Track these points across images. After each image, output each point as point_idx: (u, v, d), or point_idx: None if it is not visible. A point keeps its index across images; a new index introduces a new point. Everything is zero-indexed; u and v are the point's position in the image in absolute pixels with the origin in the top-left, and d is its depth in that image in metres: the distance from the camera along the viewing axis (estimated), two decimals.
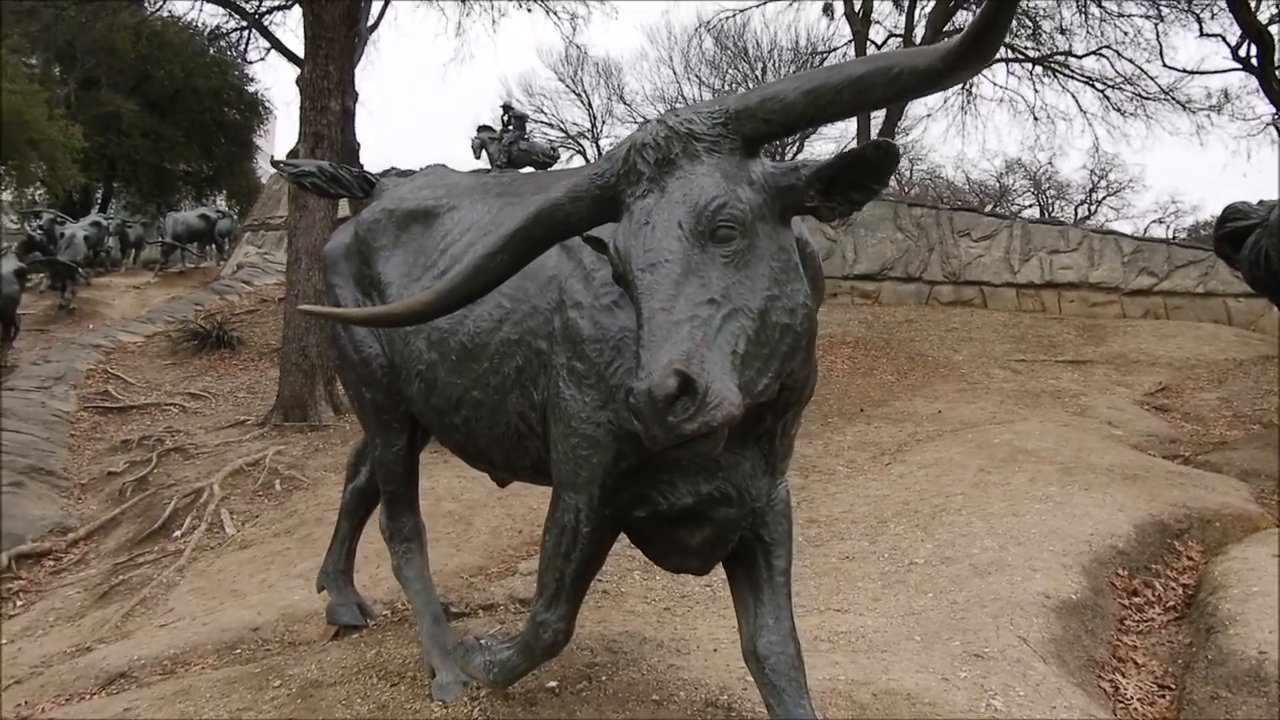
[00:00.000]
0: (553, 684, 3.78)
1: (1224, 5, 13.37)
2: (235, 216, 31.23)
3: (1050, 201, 38.14)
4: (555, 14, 14.18)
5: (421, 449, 4.38)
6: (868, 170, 2.32)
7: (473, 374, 3.43)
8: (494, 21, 18.84)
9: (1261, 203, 8.07)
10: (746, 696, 3.68)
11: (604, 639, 4.27)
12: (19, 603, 6.40)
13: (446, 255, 3.69)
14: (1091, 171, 34.77)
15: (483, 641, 3.62)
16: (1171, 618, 5.10)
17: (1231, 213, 8.12)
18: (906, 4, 19.88)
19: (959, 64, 2.04)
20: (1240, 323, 14.14)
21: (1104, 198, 37.58)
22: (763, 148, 2.47)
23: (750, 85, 29.59)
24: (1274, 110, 14.52)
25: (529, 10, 13.98)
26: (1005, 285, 15.95)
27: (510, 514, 6.63)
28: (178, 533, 7.05)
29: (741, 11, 23.93)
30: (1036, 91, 21.21)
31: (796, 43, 28.60)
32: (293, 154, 9.78)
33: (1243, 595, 4.73)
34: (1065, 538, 5.59)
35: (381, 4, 14.12)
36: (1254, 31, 11.91)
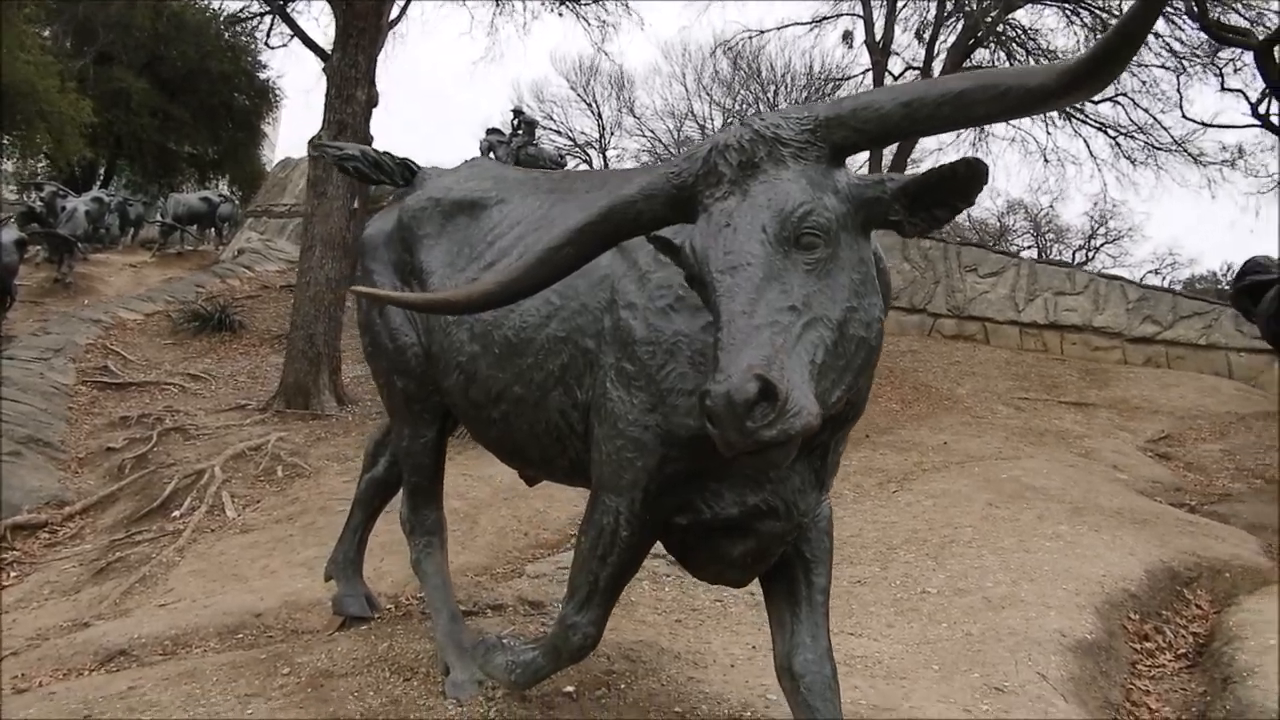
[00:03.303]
0: (570, 689, 3.72)
1: (1247, 61, 13.50)
2: (237, 202, 31.05)
3: (1049, 244, 38.22)
4: (586, 20, 14.04)
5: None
6: (955, 187, 2.28)
7: (515, 369, 3.37)
8: (524, 24, 18.77)
9: None
10: (769, 714, 3.63)
11: (620, 647, 4.21)
12: (13, 574, 6.29)
13: (494, 248, 3.65)
14: (1092, 218, 34.89)
15: (505, 641, 3.55)
16: (1183, 665, 5.06)
17: (1252, 266, 8.15)
18: (928, 36, 19.96)
19: (1076, 84, 1.99)
20: (1241, 377, 14.17)
21: (1102, 244, 37.71)
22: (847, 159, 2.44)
23: (761, 106, 29.65)
24: None
25: (560, 14, 13.90)
26: (1009, 323, 15.96)
27: (517, 515, 6.55)
28: (177, 513, 6.95)
29: (761, 33, 23.92)
30: (1049, 134, 21.18)
31: (810, 68, 28.58)
32: (316, 138, 9.70)
33: (1260, 647, 4.69)
34: (1077, 577, 5.56)
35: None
36: (1278, 88, 12.00)
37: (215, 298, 15.30)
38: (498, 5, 13.73)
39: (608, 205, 2.56)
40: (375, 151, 4.38)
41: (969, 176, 2.26)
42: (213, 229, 29.04)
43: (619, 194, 2.57)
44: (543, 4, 14.07)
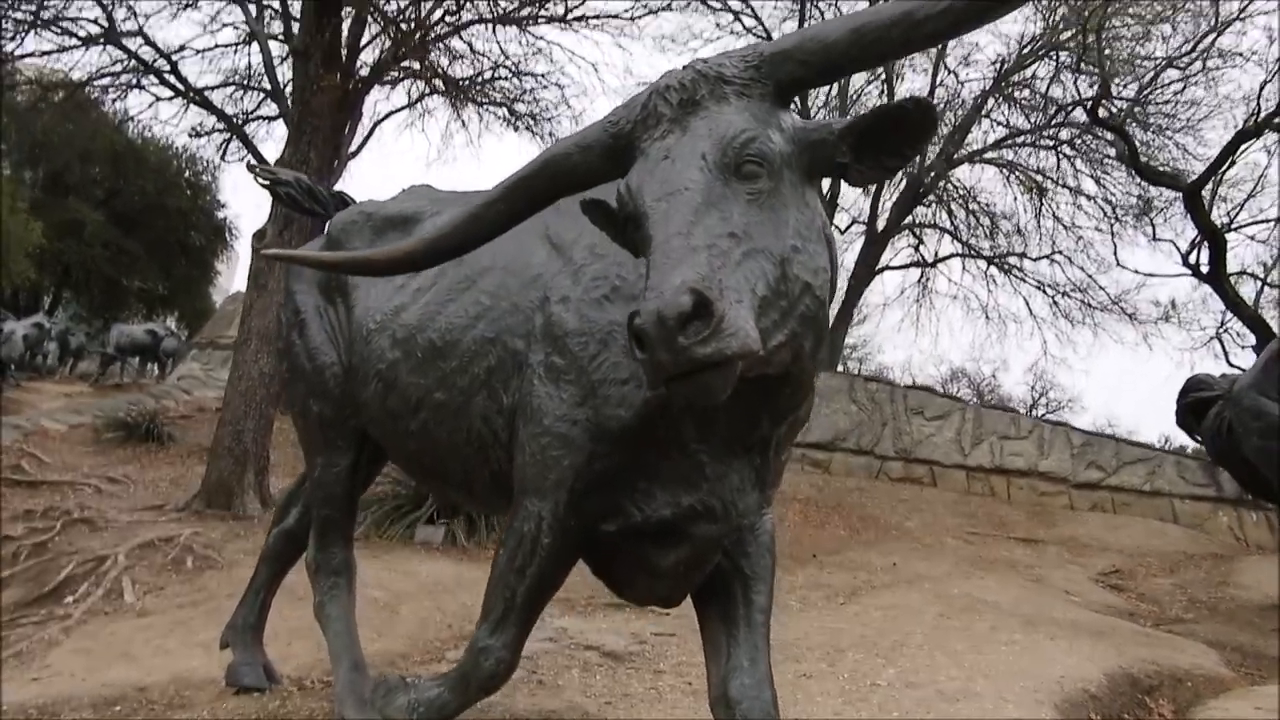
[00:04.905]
0: None
1: (1177, 210, 14.09)
2: (183, 338, 30.57)
3: None
4: (540, 137, 14.35)
5: (368, 484, 4.04)
6: (904, 131, 2.17)
7: (438, 373, 3.15)
8: (478, 135, 19.11)
9: (1224, 375, 8.15)
10: None
11: (540, 710, 3.80)
12: None
13: None
14: (1032, 388, 35.59)
15: (408, 679, 3.16)
16: None
17: (1195, 384, 8.18)
18: (873, 191, 20.66)
19: None
20: (1186, 523, 14.08)
21: (1043, 415, 38.33)
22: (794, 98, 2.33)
23: None
24: (1223, 310, 15.06)
25: (515, 129, 14.17)
26: (955, 466, 15.89)
27: (441, 608, 6.11)
28: (70, 598, 6.36)
29: None
30: (990, 291, 21.74)
31: None
32: (260, 234, 9.57)
33: None
34: (1034, 676, 5.24)
35: (365, 134, 14.31)
36: (1208, 233, 12.46)
37: (147, 413, 14.72)
38: (453, 109, 13.87)
39: (543, 158, 2.44)
40: (309, 180, 4.24)
41: (919, 117, 2.16)
42: (155, 363, 28.48)
43: (555, 146, 2.45)
44: (495, 118, 14.30)
